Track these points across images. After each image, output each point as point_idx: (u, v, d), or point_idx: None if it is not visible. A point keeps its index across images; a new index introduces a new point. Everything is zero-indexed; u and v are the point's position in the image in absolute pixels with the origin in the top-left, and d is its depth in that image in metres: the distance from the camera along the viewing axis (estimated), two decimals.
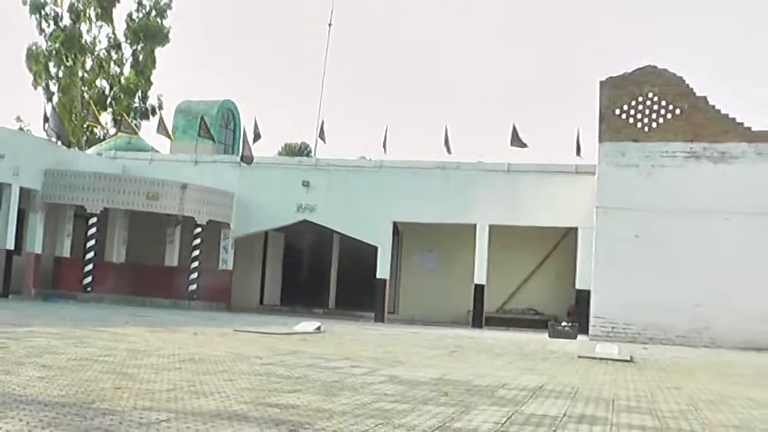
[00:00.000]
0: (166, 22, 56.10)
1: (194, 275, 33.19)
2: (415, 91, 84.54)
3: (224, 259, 34.55)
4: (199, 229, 33.29)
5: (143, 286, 33.02)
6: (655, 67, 28.51)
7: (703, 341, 26.34)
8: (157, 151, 39.57)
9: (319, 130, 37.27)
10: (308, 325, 21.56)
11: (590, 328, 27.40)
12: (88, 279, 31.78)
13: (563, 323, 27.47)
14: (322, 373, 10.63)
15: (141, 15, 55.76)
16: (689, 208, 27.16)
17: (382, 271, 33.10)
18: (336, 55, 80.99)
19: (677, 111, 27.95)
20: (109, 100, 55.42)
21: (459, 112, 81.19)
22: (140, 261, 34.82)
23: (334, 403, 7.87)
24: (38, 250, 31.72)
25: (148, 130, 50.35)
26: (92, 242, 32.01)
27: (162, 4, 56.08)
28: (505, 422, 7.43)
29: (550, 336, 25.76)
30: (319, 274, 38.55)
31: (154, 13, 56.03)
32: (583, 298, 29.14)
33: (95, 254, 32.28)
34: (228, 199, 34.34)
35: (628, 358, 17.17)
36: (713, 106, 27.83)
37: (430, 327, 28.85)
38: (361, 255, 34.13)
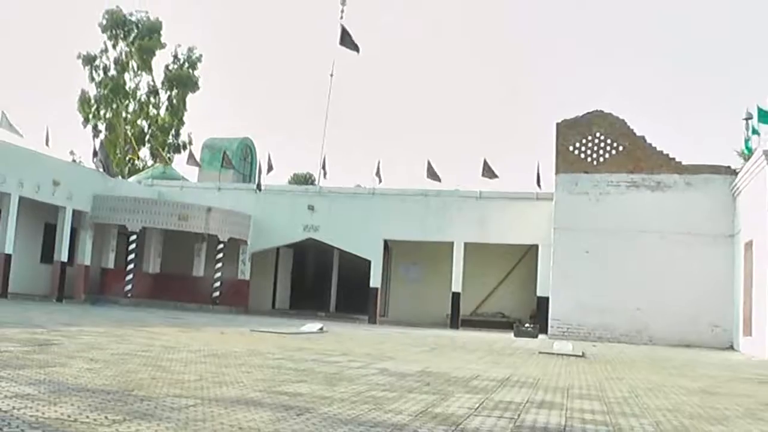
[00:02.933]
0: (196, 72, 56.36)
1: (217, 284, 33.13)
2: (403, 128, 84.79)
3: (243, 270, 34.52)
4: (221, 245, 33.28)
5: (174, 292, 32.95)
6: (602, 111, 28.66)
7: (642, 339, 26.40)
8: (187, 180, 39.57)
9: (322, 163, 37.34)
10: (313, 325, 21.50)
11: (549, 328, 27.41)
12: (129, 286, 31.78)
13: (526, 325, 27.44)
14: (324, 366, 10.59)
15: (176, 66, 55.98)
16: (630, 228, 27.25)
17: (375, 280, 33.15)
18: (337, 97, 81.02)
19: (620, 148, 28.08)
20: (147, 137, 55.56)
21: (439, 146, 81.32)
22: (172, 271, 34.82)
23: (334, 392, 7.84)
24: (87, 262, 31.79)
25: (179, 161, 50.34)
26: (132, 256, 32.04)
27: (193, 57, 56.37)
28: (477, 407, 7.41)
29: (515, 335, 25.72)
30: (322, 282, 38.51)
31: (186, 65, 56.26)
32: (542, 303, 29.18)
33: (135, 266, 32.29)
34: (246, 220, 34.35)
35: (581, 354, 17.12)
36: (650, 144, 28.02)
37: (414, 328, 28.79)
38: (357, 267, 34.12)
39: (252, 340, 15.84)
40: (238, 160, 39.95)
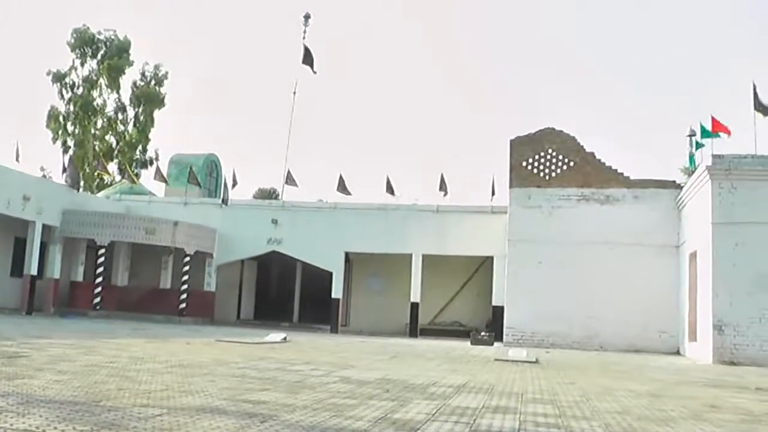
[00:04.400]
0: (163, 89, 56.06)
1: (184, 295, 32.92)
2: (364, 144, 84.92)
3: (208, 282, 34.37)
4: (188, 258, 33.07)
5: (142, 304, 32.71)
6: (554, 129, 28.91)
7: (594, 346, 26.57)
8: (154, 195, 39.30)
9: (285, 178, 37.28)
10: (276, 335, 21.41)
11: (504, 336, 27.51)
12: (98, 299, 31.47)
13: (482, 333, 27.47)
14: (287, 375, 10.56)
15: (143, 83, 55.63)
16: (581, 240, 27.46)
17: (336, 291, 33.15)
18: (300, 114, 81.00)
19: (571, 163, 28.32)
20: (115, 152, 55.12)
21: (398, 162, 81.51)
22: (140, 284, 34.56)
23: (297, 399, 7.82)
24: (57, 275, 31.46)
25: (147, 177, 49.99)
26: (101, 269, 31.73)
27: (160, 74, 56.06)
28: (435, 413, 7.42)
29: (471, 343, 25.74)
30: (286, 294, 38.39)
31: (153, 82, 55.95)
32: (498, 312, 29.31)
33: (103, 279, 31.98)
34: (211, 233, 34.21)
35: (534, 360, 17.19)
36: (599, 160, 28.30)
37: (375, 337, 28.78)
38: (319, 279, 34.08)
39: (217, 350, 15.76)
40: (203, 175, 39.73)
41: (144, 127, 55.48)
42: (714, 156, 22.30)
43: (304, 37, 41.95)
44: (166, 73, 56.42)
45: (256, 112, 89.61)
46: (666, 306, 26.67)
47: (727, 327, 20.98)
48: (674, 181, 28.42)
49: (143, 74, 55.92)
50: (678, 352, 26.00)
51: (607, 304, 26.86)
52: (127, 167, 45.41)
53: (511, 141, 28.92)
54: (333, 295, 33.14)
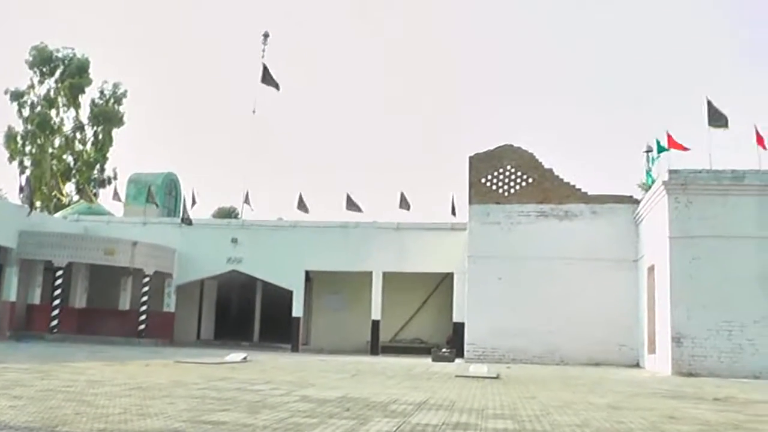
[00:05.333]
0: (121, 108, 55.62)
1: (143, 317, 32.53)
2: (323, 162, 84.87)
3: (168, 303, 34.06)
4: (147, 279, 32.73)
5: (101, 326, 32.22)
6: (512, 145, 29.09)
7: (554, 360, 26.68)
8: (113, 215, 38.96)
9: (245, 197, 37.17)
10: (236, 355, 21.31)
11: (465, 352, 27.52)
12: (55, 322, 30.95)
13: (443, 349, 27.49)
14: (247, 395, 10.51)
15: (102, 102, 55.16)
16: (540, 256, 27.58)
17: (297, 310, 33.01)
18: (259, 133, 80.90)
19: (530, 180, 28.49)
20: (73, 172, 54.56)
21: (358, 179, 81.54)
22: (98, 306, 34.08)
23: (257, 419, 7.79)
24: (13, 298, 30.89)
25: (105, 196, 49.51)
26: (58, 291, 31.24)
27: (119, 93, 55.63)
28: (396, 430, 7.42)
29: (433, 360, 25.75)
30: (246, 313, 38.15)
31: (112, 100, 55.50)
32: (459, 328, 29.31)
33: (61, 301, 31.48)
34: (171, 253, 33.94)
35: (495, 376, 17.25)
36: (558, 176, 28.52)
37: (335, 355, 28.68)
38: (280, 297, 33.91)
39: (176, 371, 15.63)
40: (162, 194, 39.44)
41: (102, 146, 54.97)
42: (670, 171, 22.59)
43: (263, 56, 41.93)
44: (125, 91, 55.99)
45: (216, 131, 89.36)
46: (625, 319, 26.86)
47: (685, 339, 21.22)
48: (631, 196, 28.69)
49: (102, 93, 55.48)
50: (637, 365, 26.20)
51: (566, 319, 26.99)
52: (86, 187, 45.01)
53: (470, 158, 29.04)
54: (293, 314, 32.99)
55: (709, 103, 24.68)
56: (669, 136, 25.97)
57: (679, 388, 15.40)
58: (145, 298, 32.66)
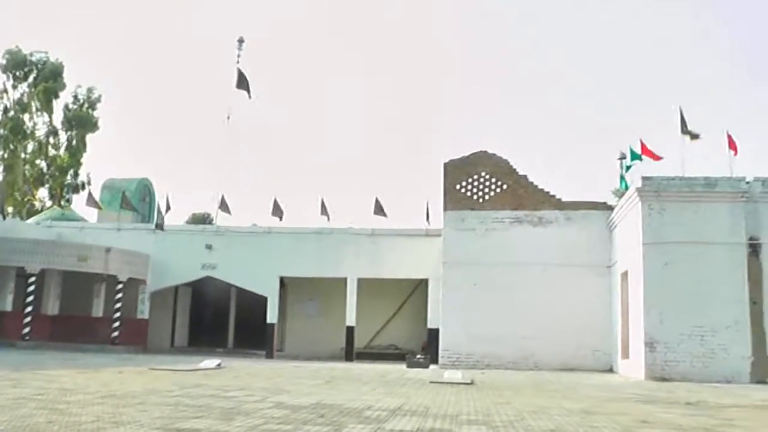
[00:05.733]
0: (96, 113, 55.23)
1: (116, 323, 32.33)
2: (298, 168, 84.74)
3: (141, 310, 33.89)
4: (120, 285, 32.56)
5: (74, 333, 31.92)
6: (486, 152, 29.19)
7: (528, 365, 26.75)
8: (86, 221, 38.71)
9: (219, 203, 37.06)
10: (211, 362, 21.24)
11: (440, 358, 27.56)
12: (27, 329, 30.66)
13: (418, 356, 27.51)
14: (221, 401, 10.48)
15: (76, 106, 54.76)
16: (515, 262, 27.67)
17: (272, 316, 32.90)
18: (235, 138, 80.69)
19: (504, 186, 28.59)
20: (46, 177, 54.13)
21: (333, 185, 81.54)
22: (71, 312, 33.77)
23: (231, 426, 7.77)
24: None
25: (79, 202, 49.14)
26: (31, 297, 30.96)
27: (93, 97, 55.25)
28: None
29: (407, 366, 25.73)
30: (220, 319, 38.03)
31: (86, 105, 55.11)
32: (433, 334, 29.34)
33: (33, 308, 31.17)
34: (145, 260, 33.76)
35: (470, 382, 17.26)
36: (532, 182, 28.64)
37: (310, 362, 28.62)
38: (254, 304, 33.80)
39: (150, 378, 15.55)
40: (137, 200, 39.25)
41: (76, 151, 54.60)
42: (644, 178, 22.77)
43: (238, 62, 41.85)
44: (99, 96, 55.61)
45: (190, 137, 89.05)
46: (599, 325, 27.01)
47: (658, 344, 21.37)
48: (605, 203, 28.87)
49: (76, 97, 55.09)
50: (611, 370, 26.34)
51: (541, 324, 27.09)
52: (59, 192, 44.71)
53: (445, 164, 29.10)
54: (268, 320, 32.87)
55: (682, 113, 24.94)
56: (642, 144, 26.20)
57: (652, 393, 15.50)
58: (118, 305, 32.46)
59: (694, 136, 24.73)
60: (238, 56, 42.29)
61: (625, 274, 24.85)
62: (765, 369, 21.06)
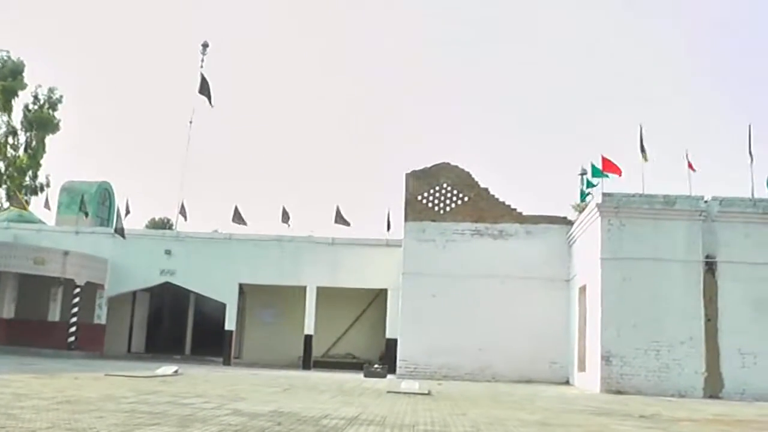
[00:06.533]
0: (57, 114, 54.52)
1: (73, 328, 31.96)
2: (259, 175, 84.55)
3: (99, 315, 33.54)
4: (78, 290, 32.22)
5: (29, 337, 31.51)
6: (449, 164, 29.31)
7: (485, 377, 26.88)
8: (44, 223, 38.30)
9: (180, 208, 36.85)
10: (168, 368, 21.11)
11: (397, 368, 27.58)
12: None
13: (376, 365, 27.53)
14: (178, 409, 10.43)
15: (36, 107, 54.08)
16: (475, 274, 27.80)
17: (230, 323, 32.74)
18: (196, 143, 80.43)
19: (466, 198, 28.73)
20: (4, 177, 53.36)
21: (296, 193, 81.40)
22: (27, 317, 33.32)
23: None
24: None
25: (37, 204, 48.54)
26: None
27: (54, 98, 54.56)
28: None
29: (365, 376, 25.76)
30: (178, 326, 37.79)
31: (47, 106, 54.41)
32: (391, 345, 29.38)
33: None
34: (103, 264, 33.46)
35: (427, 392, 17.31)
36: (493, 195, 28.81)
37: (268, 369, 28.54)
38: (213, 310, 33.66)
39: (106, 384, 15.43)
40: (96, 203, 38.86)
41: (35, 152, 53.92)
42: (604, 194, 23.09)
43: (201, 66, 41.62)
44: (61, 97, 54.89)
45: (152, 141, 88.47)
46: (556, 337, 27.23)
47: (615, 357, 21.62)
48: (565, 217, 29.14)
49: (36, 97, 54.38)
50: (567, 382, 26.55)
51: (499, 336, 27.24)
52: (17, 194, 44.16)
53: (407, 175, 29.18)
54: (226, 327, 32.72)
55: (641, 131, 25.29)
56: (604, 160, 26.42)
57: (608, 406, 15.65)
58: (75, 310, 32.11)
59: (644, 156, 25.05)
60: (202, 61, 42.00)
61: (583, 288, 25.08)
62: (717, 384, 21.43)
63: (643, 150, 24.96)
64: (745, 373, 21.48)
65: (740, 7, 74.45)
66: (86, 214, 36.53)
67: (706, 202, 22.72)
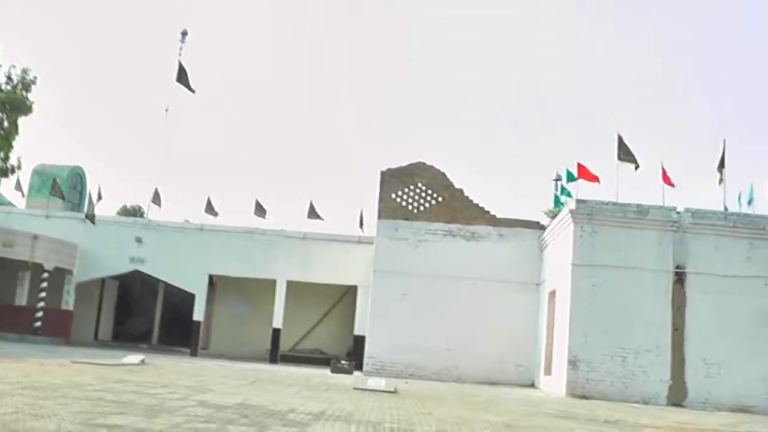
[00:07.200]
0: (30, 96, 53.92)
1: (40, 313, 31.78)
2: (234, 167, 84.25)
3: (67, 301, 33.31)
4: (46, 274, 32.01)
5: None
6: (424, 163, 29.35)
7: (452, 377, 26.96)
8: (14, 206, 38.00)
9: (153, 196, 36.65)
10: (134, 357, 21.00)
11: (364, 365, 27.62)
12: None
13: (343, 361, 27.54)
14: (144, 398, 10.37)
15: (9, 88, 53.50)
16: (446, 274, 27.86)
17: (198, 314, 32.67)
18: (171, 132, 79.97)
19: (440, 199, 28.79)
20: None
21: (269, 187, 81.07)
22: None
23: (153, 423, 7.70)
24: None
25: (8, 186, 48.07)
26: None
27: (27, 80, 53.97)
28: None
29: (332, 371, 25.75)
30: (146, 315, 37.65)
31: (20, 86, 53.83)
32: (359, 341, 29.44)
33: None
34: (73, 249, 33.22)
35: (393, 390, 17.32)
36: (467, 197, 28.88)
37: (235, 361, 28.46)
38: (182, 300, 33.58)
39: (72, 371, 15.33)
40: (68, 188, 38.58)
41: (8, 134, 53.37)
42: (578, 201, 23.26)
43: (180, 54, 41.37)
44: (35, 78, 54.31)
45: (128, 128, 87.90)
46: (523, 340, 27.38)
47: (581, 363, 21.76)
48: (538, 222, 29.28)
49: (9, 78, 53.78)
50: (533, 385, 26.68)
51: (467, 337, 27.34)
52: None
53: (383, 173, 29.20)
54: (195, 318, 32.63)
55: (620, 138, 25.45)
56: (580, 166, 26.63)
57: (573, 410, 15.75)
58: (43, 294, 31.93)
59: (630, 161, 25.23)
60: (181, 49, 41.78)
61: (552, 293, 25.21)
62: (681, 393, 21.63)
63: (622, 158, 25.12)
64: (709, 382, 21.69)
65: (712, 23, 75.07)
66: (62, 198, 36.28)
67: (678, 213, 22.91)
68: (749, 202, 27.57)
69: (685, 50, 77.53)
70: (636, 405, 20.10)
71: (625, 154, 25.25)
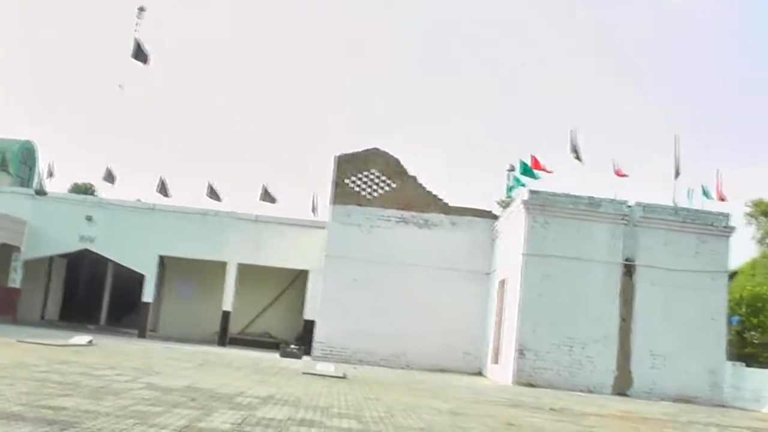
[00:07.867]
0: None
1: None
2: (189, 147, 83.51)
3: (13, 278, 32.83)
4: None
5: None
6: (378, 149, 29.36)
7: (400, 364, 27.07)
8: None
9: (105, 174, 36.22)
10: (82, 338, 20.87)
11: (313, 350, 27.64)
12: None
13: (292, 346, 27.55)
14: (90, 380, 10.34)
15: None
16: (398, 261, 27.94)
17: (147, 295, 32.37)
18: (125, 110, 79.21)
19: (393, 185, 28.82)
20: None
21: (222, 168, 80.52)
22: None
23: (100, 405, 7.69)
24: None
25: None
26: None
27: None
28: (241, 423, 7.47)
29: (281, 356, 25.77)
30: (94, 295, 37.21)
31: None
32: (309, 326, 29.40)
33: None
34: (21, 225, 32.73)
35: (342, 375, 17.43)
36: (421, 184, 28.94)
37: (184, 344, 28.34)
38: (131, 281, 33.27)
39: (18, 351, 15.21)
40: (17, 162, 38.06)
41: None
42: (531, 191, 23.46)
43: (136, 30, 40.87)
44: None
45: (80, 103, 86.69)
46: (472, 329, 27.56)
47: (529, 352, 22.00)
48: (490, 211, 29.45)
49: None
50: (480, 373, 26.91)
51: (416, 324, 27.46)
52: None
53: (337, 157, 29.17)
54: (144, 299, 32.36)
55: (573, 135, 25.78)
56: (533, 158, 26.86)
57: (519, 398, 15.96)
58: None
59: (578, 157, 25.61)
60: (137, 25, 41.27)
61: (503, 282, 25.40)
62: (626, 382, 22.00)
63: (575, 152, 25.47)
64: (654, 373, 22.08)
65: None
66: (8, 173, 35.76)
67: (629, 206, 23.23)
68: (705, 196, 27.53)
69: (641, 48, 78.27)
70: (581, 394, 20.43)
71: (573, 149, 25.61)
